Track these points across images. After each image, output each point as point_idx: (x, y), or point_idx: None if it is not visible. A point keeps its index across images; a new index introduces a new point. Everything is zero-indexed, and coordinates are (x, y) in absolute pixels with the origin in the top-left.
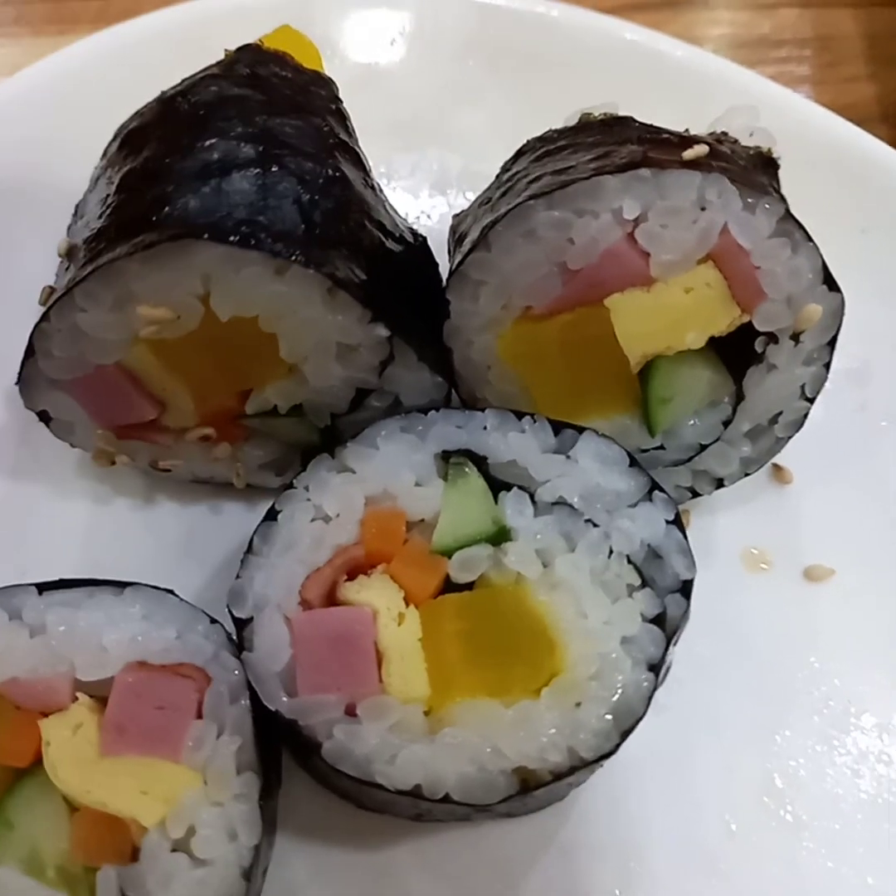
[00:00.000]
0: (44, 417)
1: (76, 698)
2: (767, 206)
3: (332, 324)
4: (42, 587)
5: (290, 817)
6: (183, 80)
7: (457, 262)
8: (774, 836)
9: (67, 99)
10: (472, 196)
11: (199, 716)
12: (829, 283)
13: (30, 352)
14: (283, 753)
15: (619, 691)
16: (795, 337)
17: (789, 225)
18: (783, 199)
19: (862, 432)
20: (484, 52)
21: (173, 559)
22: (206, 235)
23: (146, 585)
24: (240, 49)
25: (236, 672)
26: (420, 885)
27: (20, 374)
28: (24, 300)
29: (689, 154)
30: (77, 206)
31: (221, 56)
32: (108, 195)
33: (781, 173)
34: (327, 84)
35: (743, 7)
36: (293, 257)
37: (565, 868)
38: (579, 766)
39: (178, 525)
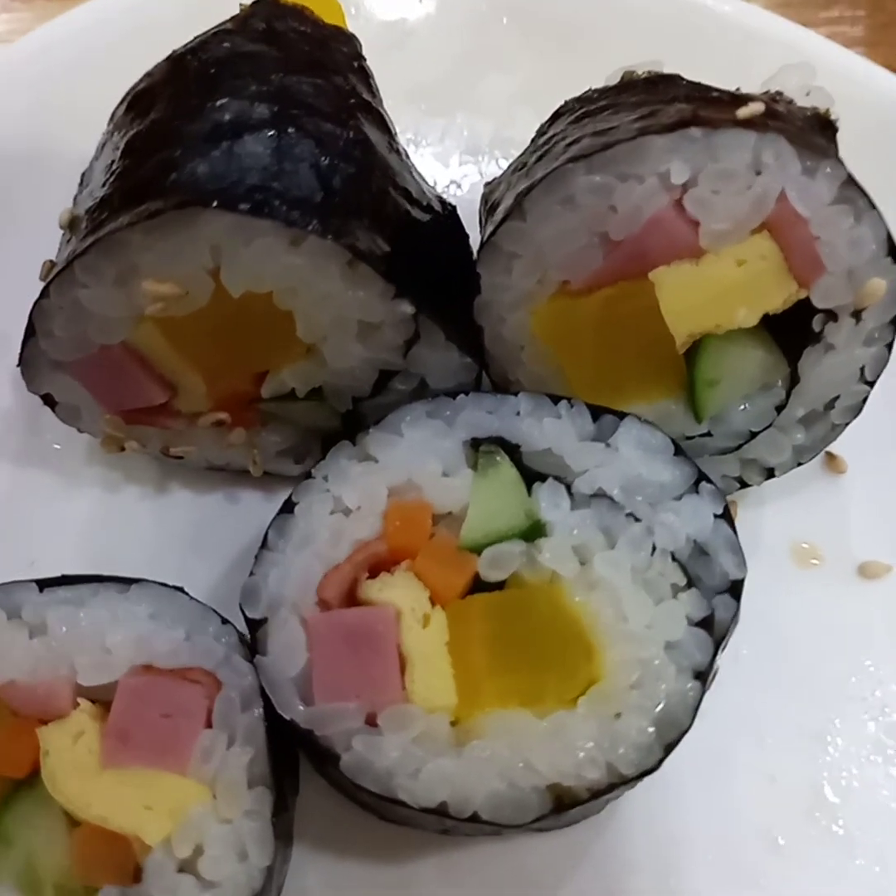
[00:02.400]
0: (48, 401)
1: (77, 704)
2: (828, 170)
3: (353, 300)
4: (43, 584)
5: (308, 827)
6: (195, 38)
7: (489, 232)
8: (824, 852)
9: (73, 64)
10: (504, 163)
11: (209, 724)
12: (894, 254)
13: (30, 331)
14: (301, 759)
15: (663, 701)
16: (856, 314)
17: (852, 191)
18: (843, 163)
19: None
20: (517, 11)
21: (185, 552)
22: (215, 203)
23: (154, 582)
24: (255, 2)
25: (249, 677)
26: None
27: (21, 355)
28: (30, 276)
29: (743, 112)
30: (83, 175)
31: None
32: (112, 161)
33: (839, 136)
34: (349, 40)
35: None
36: (310, 227)
37: (600, 884)
38: (618, 783)
39: (190, 515)
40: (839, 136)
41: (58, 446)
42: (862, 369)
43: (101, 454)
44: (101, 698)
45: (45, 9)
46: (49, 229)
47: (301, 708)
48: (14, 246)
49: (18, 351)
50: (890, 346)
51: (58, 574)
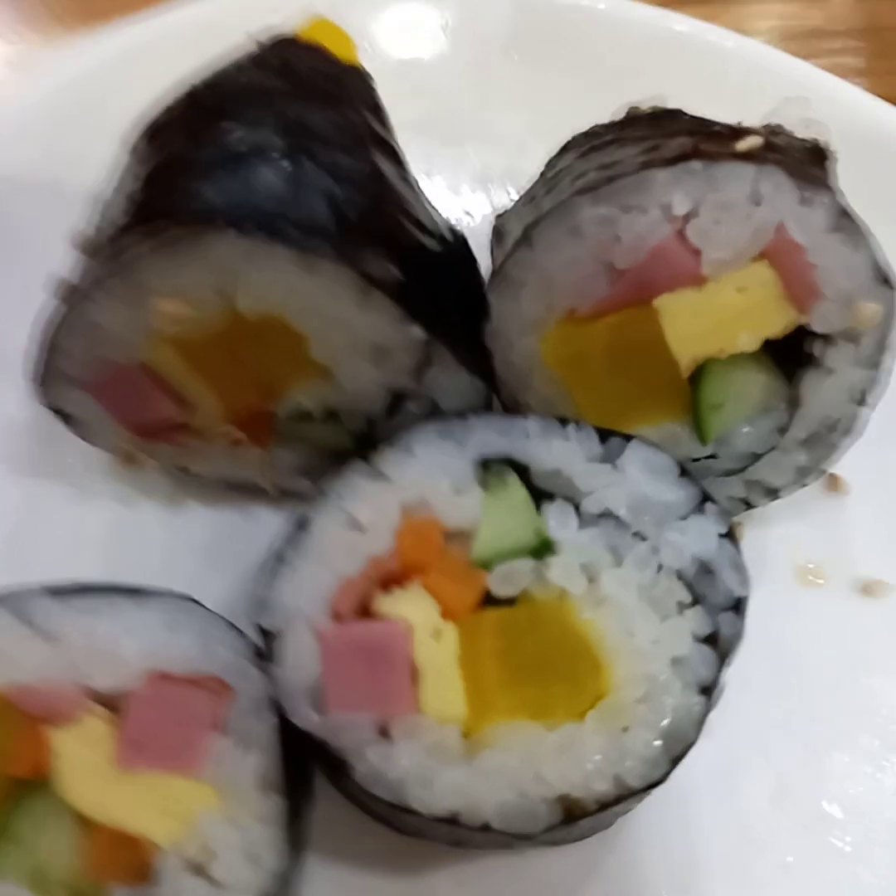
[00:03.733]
0: (63, 416)
1: (91, 710)
2: (825, 200)
3: (365, 324)
4: (58, 591)
5: (320, 837)
6: (212, 72)
7: (499, 261)
8: (831, 867)
9: (92, 92)
10: (515, 194)
11: (222, 731)
12: (889, 280)
13: (45, 348)
14: (315, 771)
15: (669, 716)
16: (853, 338)
17: (846, 220)
18: (838, 192)
19: None
20: (527, 46)
21: (199, 565)
22: (230, 229)
23: (168, 593)
24: (272, 40)
25: (261, 686)
26: None
27: (35, 370)
28: (49, 296)
29: (742, 146)
30: (98, 198)
31: (254, 48)
32: (132, 190)
33: (836, 166)
34: (362, 76)
35: None
36: (323, 253)
37: None
38: (626, 796)
39: (204, 530)
40: (837, 165)
41: (73, 461)
42: (861, 392)
43: (116, 469)
44: (115, 705)
45: (52, 34)
46: (60, 247)
47: (315, 718)
48: (26, 265)
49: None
50: (888, 369)
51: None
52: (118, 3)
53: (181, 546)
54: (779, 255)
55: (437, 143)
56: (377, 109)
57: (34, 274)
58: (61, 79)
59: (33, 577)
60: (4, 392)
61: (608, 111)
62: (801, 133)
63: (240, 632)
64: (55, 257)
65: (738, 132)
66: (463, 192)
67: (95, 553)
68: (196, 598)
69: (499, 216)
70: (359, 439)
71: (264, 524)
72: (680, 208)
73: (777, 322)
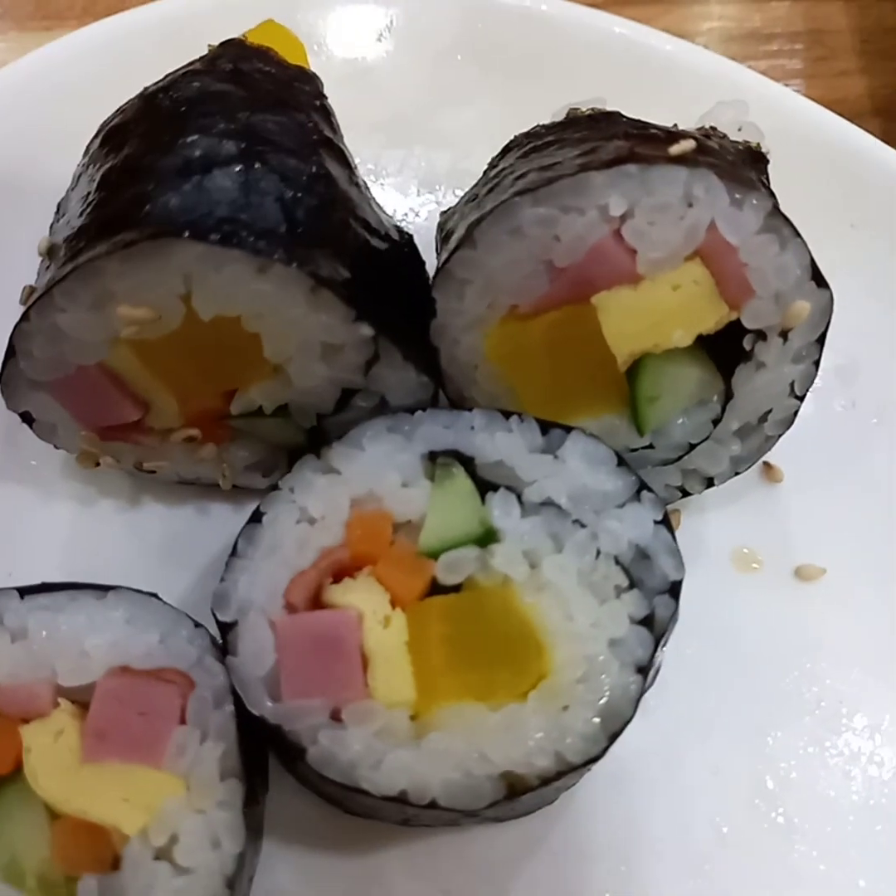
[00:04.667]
0: (26, 418)
1: (58, 704)
2: (755, 201)
3: (316, 323)
4: (24, 591)
5: (276, 822)
6: (165, 76)
7: (443, 259)
8: (766, 839)
9: (53, 95)
10: (460, 193)
11: (183, 721)
12: (818, 279)
13: (10, 352)
14: (270, 758)
15: (607, 694)
16: (784, 334)
17: (777, 221)
18: (772, 194)
19: (852, 430)
20: (472, 48)
21: (158, 561)
22: (186, 234)
23: (129, 589)
24: (223, 44)
25: (220, 677)
26: (408, 889)
27: (1, 375)
28: (9, 300)
29: (675, 149)
30: (59, 204)
31: (205, 50)
32: (88, 193)
33: (771, 168)
34: (312, 80)
35: (734, 1)
36: (275, 255)
37: (555, 872)
38: (566, 771)
39: (163, 527)
40: (772, 167)
41: (34, 462)
42: (792, 385)
43: (77, 469)
44: (80, 698)
45: (18, 39)
46: (26, 254)
47: (270, 705)
48: None
49: None
50: (817, 363)
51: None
52: (76, 8)
53: (140, 543)
54: (711, 254)
55: (385, 143)
56: (326, 112)
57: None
58: (19, 80)
59: (1, 574)
60: None
61: (549, 111)
62: (735, 136)
63: (198, 625)
64: (16, 260)
65: (673, 135)
66: (410, 191)
67: (57, 551)
68: (156, 592)
69: (443, 214)
70: (309, 434)
71: (219, 519)
72: (616, 209)
73: (710, 318)
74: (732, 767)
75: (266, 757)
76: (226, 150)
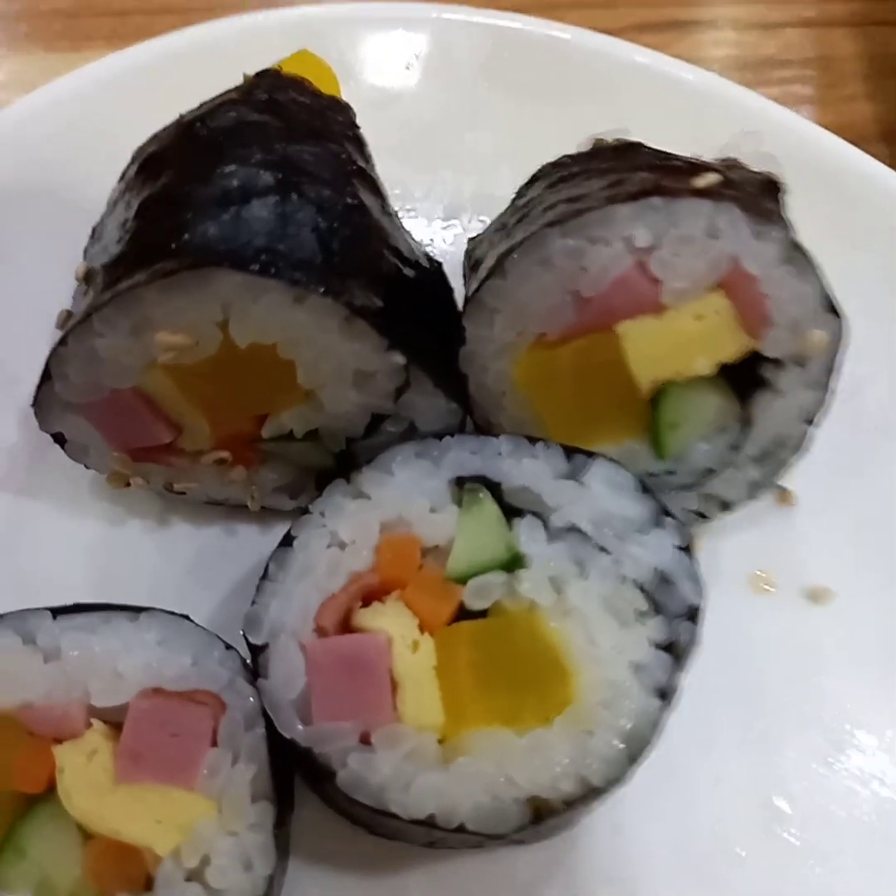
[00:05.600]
0: (59, 439)
1: (91, 724)
2: (776, 234)
3: (350, 351)
4: (57, 611)
5: (302, 843)
6: (201, 105)
7: (473, 289)
8: (774, 857)
9: (83, 119)
10: (485, 219)
11: (215, 743)
12: (832, 308)
13: (46, 375)
14: (296, 778)
15: (630, 719)
16: (800, 362)
17: (796, 252)
18: (789, 224)
19: (859, 451)
20: (497, 76)
21: (186, 582)
22: (225, 264)
23: (161, 611)
24: (259, 74)
25: (251, 699)
26: None
27: (36, 396)
28: (39, 322)
29: (700, 183)
30: (94, 229)
31: (237, 77)
32: (126, 220)
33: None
34: (345, 110)
35: (748, 27)
36: (312, 286)
37: (574, 894)
38: (591, 795)
39: (191, 547)
40: (788, 196)
41: (63, 483)
42: (809, 412)
43: (106, 490)
44: (113, 719)
45: (45, 60)
46: (53, 277)
47: (300, 728)
48: (21, 291)
49: (26, 391)
50: (830, 390)
51: (65, 603)
52: (103, 29)
53: (168, 562)
54: (733, 285)
55: (411, 169)
56: (358, 141)
57: (25, 299)
58: (52, 103)
59: (26, 595)
60: None
61: (573, 137)
62: (754, 166)
63: (230, 647)
64: (47, 283)
65: (696, 167)
66: (436, 217)
67: (86, 571)
68: (185, 612)
69: (471, 241)
70: (338, 458)
71: (247, 540)
72: (642, 241)
73: (731, 348)
74: (745, 788)
75: (292, 778)
76: (263, 180)
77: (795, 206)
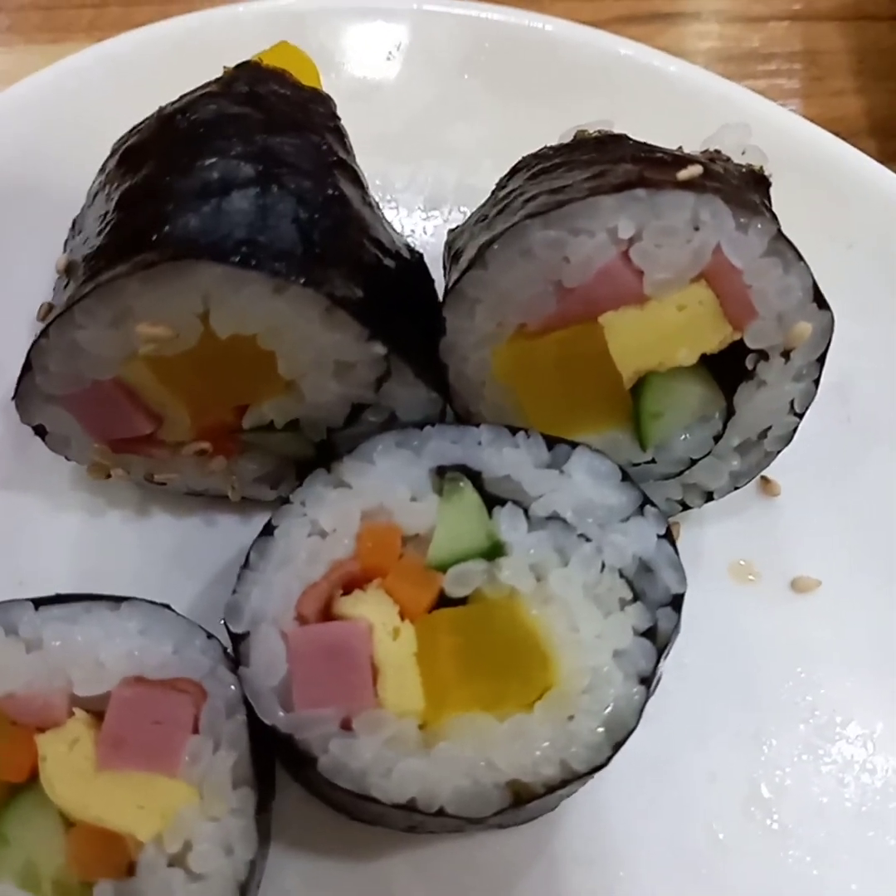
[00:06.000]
0: (40, 431)
1: (73, 713)
2: (759, 225)
3: (330, 341)
4: (39, 602)
5: (283, 829)
6: (181, 97)
7: (454, 279)
8: (761, 845)
9: (63, 111)
10: (466, 210)
11: (196, 730)
12: (819, 301)
13: (27, 367)
14: (276, 765)
15: (611, 704)
16: (785, 354)
17: (781, 244)
18: (775, 217)
19: (847, 445)
20: (480, 67)
21: (167, 571)
22: (206, 256)
23: (143, 600)
24: (239, 66)
25: (233, 687)
26: (413, 894)
27: (17, 388)
28: (19, 314)
29: (683, 174)
30: (75, 221)
31: (217, 69)
32: (107, 212)
33: (771, 190)
34: (325, 101)
35: (733, 20)
36: (292, 277)
37: (556, 877)
38: (571, 779)
39: (171, 537)
40: (772, 189)
41: (44, 474)
42: (791, 402)
43: (86, 481)
44: (95, 708)
45: (25, 52)
46: (39, 269)
47: (282, 715)
48: (0, 284)
49: (7, 383)
50: (816, 382)
51: (46, 594)
52: (82, 21)
53: (150, 553)
54: (716, 276)
55: (393, 160)
56: (339, 133)
57: (4, 292)
58: (30, 96)
59: (7, 586)
60: None
61: (555, 129)
62: (738, 159)
63: (211, 635)
64: (27, 276)
65: (680, 159)
66: (416, 208)
67: (68, 562)
68: (166, 602)
69: (452, 232)
70: (318, 448)
71: (227, 530)
72: (625, 232)
73: (714, 338)
74: (728, 774)
75: (273, 765)
76: (243, 172)
77: (782, 201)
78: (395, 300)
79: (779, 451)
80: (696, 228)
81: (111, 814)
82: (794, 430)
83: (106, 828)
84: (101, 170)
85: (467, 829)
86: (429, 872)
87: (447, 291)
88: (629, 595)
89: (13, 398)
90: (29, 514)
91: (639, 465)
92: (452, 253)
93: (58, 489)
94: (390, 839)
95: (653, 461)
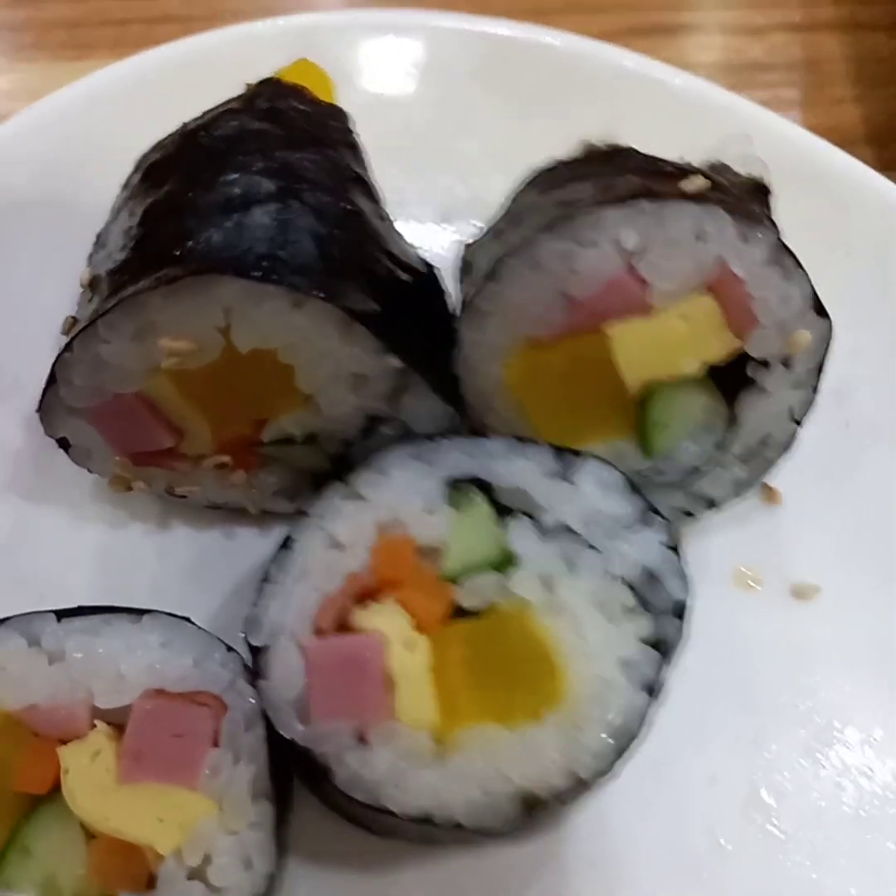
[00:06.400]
0: (63, 444)
1: (94, 726)
2: (761, 235)
3: (347, 355)
4: (61, 614)
5: (300, 842)
6: (204, 113)
7: (469, 294)
8: (760, 849)
9: (87, 127)
10: (478, 223)
11: (216, 743)
12: (818, 309)
13: (52, 380)
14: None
15: (617, 714)
16: (786, 362)
17: (781, 254)
18: (775, 226)
19: (846, 451)
20: (490, 81)
21: (187, 584)
22: (229, 270)
23: (163, 613)
24: (260, 83)
25: (252, 700)
26: None
27: (41, 401)
28: (44, 327)
29: (688, 186)
30: (99, 236)
31: (237, 84)
32: (130, 227)
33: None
34: (341, 116)
35: (734, 32)
36: (312, 292)
37: (562, 885)
38: (580, 789)
39: (191, 550)
40: (774, 199)
41: (66, 486)
42: (792, 410)
43: (107, 493)
44: (117, 720)
45: (49, 69)
46: (58, 283)
47: (300, 727)
48: (25, 298)
49: (31, 396)
50: (816, 389)
51: (68, 606)
52: (106, 38)
53: (168, 565)
54: (720, 286)
55: (407, 174)
56: (355, 148)
57: (29, 306)
58: (56, 112)
59: (30, 598)
60: None
61: (564, 142)
62: (741, 170)
63: (231, 648)
64: (51, 290)
65: (685, 171)
66: (429, 220)
67: (89, 574)
68: (185, 614)
69: (467, 246)
70: (335, 460)
71: (246, 543)
72: (631, 244)
73: (718, 348)
74: (729, 779)
75: (291, 778)
76: (264, 188)
77: (782, 209)
78: (410, 314)
79: (780, 459)
80: (701, 240)
81: (132, 826)
82: (795, 436)
83: (126, 840)
84: (125, 185)
85: (478, 841)
86: (441, 883)
87: (462, 306)
88: (635, 604)
89: (37, 411)
90: (51, 526)
91: (644, 474)
92: (466, 266)
93: (79, 501)
94: (403, 851)
95: (658, 470)
